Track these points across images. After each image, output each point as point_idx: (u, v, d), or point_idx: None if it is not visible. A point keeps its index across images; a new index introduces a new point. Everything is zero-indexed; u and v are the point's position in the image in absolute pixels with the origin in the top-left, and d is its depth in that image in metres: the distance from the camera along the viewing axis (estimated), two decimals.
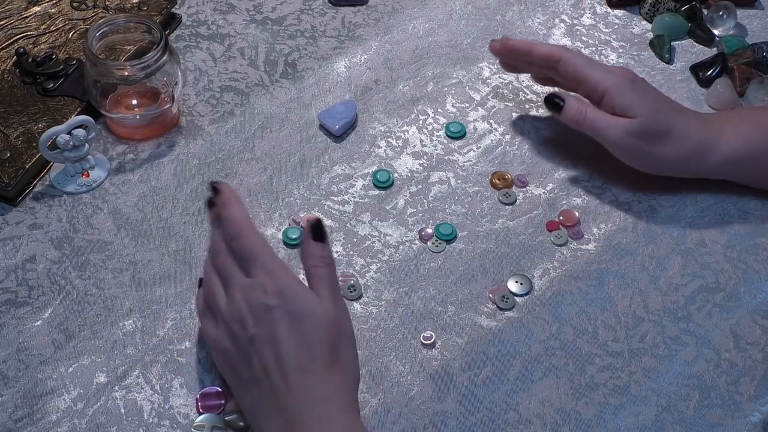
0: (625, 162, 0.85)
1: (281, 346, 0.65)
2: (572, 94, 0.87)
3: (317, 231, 0.71)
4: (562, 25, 1.03)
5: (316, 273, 0.69)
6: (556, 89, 0.89)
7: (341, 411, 0.65)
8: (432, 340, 0.77)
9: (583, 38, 1.01)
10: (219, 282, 0.71)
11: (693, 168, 0.84)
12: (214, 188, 0.73)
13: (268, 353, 0.66)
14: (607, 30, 1.03)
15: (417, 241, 0.84)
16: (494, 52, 0.92)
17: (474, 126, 0.93)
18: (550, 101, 0.86)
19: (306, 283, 0.70)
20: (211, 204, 0.74)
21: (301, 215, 0.85)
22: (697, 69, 0.98)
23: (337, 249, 0.83)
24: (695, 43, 1.01)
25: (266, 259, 0.69)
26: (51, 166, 0.88)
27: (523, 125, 0.93)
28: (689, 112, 0.85)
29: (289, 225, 0.85)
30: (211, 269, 0.72)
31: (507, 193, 0.87)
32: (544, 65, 0.89)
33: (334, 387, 0.66)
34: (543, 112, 0.94)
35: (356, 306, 0.80)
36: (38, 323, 0.78)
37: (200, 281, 0.74)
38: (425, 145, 0.91)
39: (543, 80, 0.92)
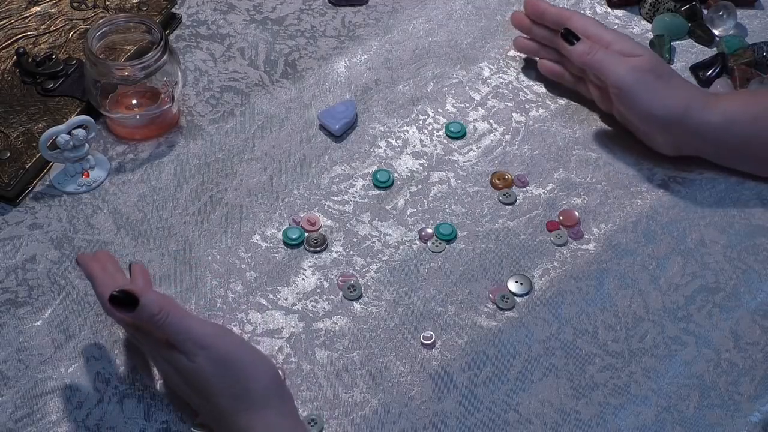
0: (625, 106, 0.86)
1: (199, 404, 0.70)
2: (585, 39, 0.89)
3: (123, 301, 0.67)
4: None
5: (164, 332, 0.68)
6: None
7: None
8: (432, 340, 0.77)
9: None
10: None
11: (690, 121, 0.84)
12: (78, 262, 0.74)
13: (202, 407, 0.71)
14: None
15: (417, 241, 0.84)
16: (516, 21, 0.96)
17: (474, 126, 0.93)
18: (565, 36, 0.89)
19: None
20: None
21: (301, 215, 0.85)
22: (697, 69, 0.98)
23: (337, 249, 0.83)
24: (695, 43, 1.01)
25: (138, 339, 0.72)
26: (51, 166, 0.88)
27: (523, 125, 0.93)
28: None
29: (289, 225, 0.85)
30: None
31: (507, 193, 0.87)
32: (555, 26, 0.92)
33: (256, 420, 0.67)
34: (543, 112, 0.94)
35: (356, 306, 0.80)
36: (38, 323, 0.78)
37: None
38: (425, 145, 0.91)
39: (549, 68, 0.95)
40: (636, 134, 0.89)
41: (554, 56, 0.94)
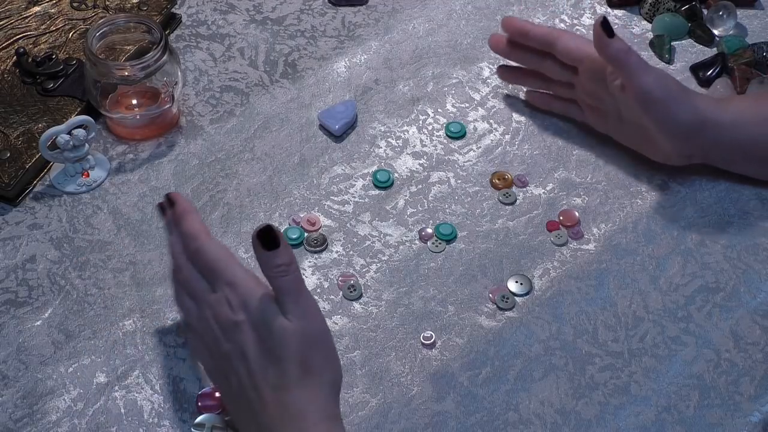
0: (650, 112, 0.83)
1: (252, 365, 0.65)
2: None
3: (265, 239, 0.66)
4: (562, 25, 1.03)
5: (276, 284, 0.66)
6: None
7: (319, 421, 0.64)
8: (432, 340, 0.77)
9: None
10: (187, 297, 0.71)
11: (710, 127, 0.83)
12: (170, 200, 0.73)
13: (241, 370, 0.66)
14: None
15: (417, 241, 0.84)
16: (494, 44, 0.93)
17: (474, 126, 0.93)
18: (605, 26, 0.83)
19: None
20: (163, 209, 0.74)
21: (301, 215, 0.85)
22: (697, 69, 0.98)
23: (337, 249, 0.83)
24: (695, 43, 1.01)
25: (227, 271, 0.68)
26: (51, 166, 0.88)
27: (523, 125, 0.93)
28: None
29: (289, 225, 0.85)
30: (178, 285, 0.72)
31: (507, 193, 0.87)
32: (542, 46, 0.89)
33: (308, 399, 0.65)
34: (543, 112, 0.94)
35: (356, 306, 0.80)
36: (38, 323, 0.78)
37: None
38: (425, 145, 0.91)
39: (540, 99, 0.94)
40: (638, 149, 0.88)
41: (539, 83, 0.93)
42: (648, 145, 0.87)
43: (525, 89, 0.95)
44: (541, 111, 0.94)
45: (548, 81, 0.92)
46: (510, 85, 0.96)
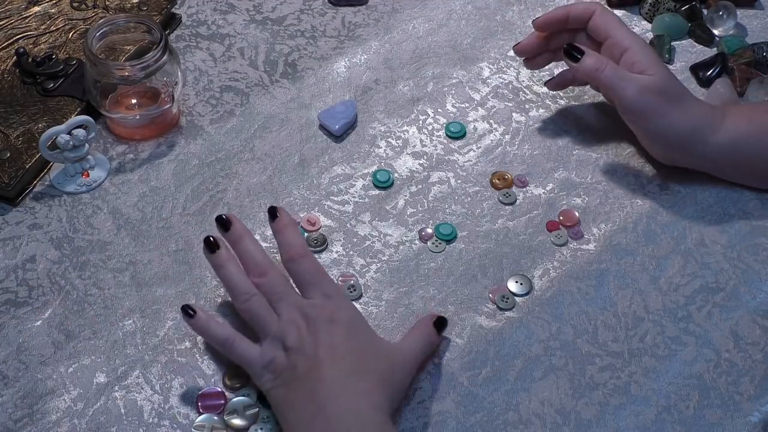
0: (634, 126, 0.85)
1: (335, 339, 0.70)
2: (591, 52, 0.85)
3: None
4: None
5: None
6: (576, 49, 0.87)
7: (374, 410, 0.68)
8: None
9: None
10: (266, 303, 0.73)
11: (698, 145, 0.83)
12: (273, 214, 0.76)
13: (324, 339, 0.70)
14: None
15: (417, 241, 0.84)
16: (521, 50, 0.92)
17: (474, 126, 0.93)
18: (568, 52, 0.84)
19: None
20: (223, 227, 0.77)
21: (301, 215, 0.85)
22: (697, 69, 0.98)
23: (337, 249, 0.83)
24: (695, 43, 1.01)
25: (326, 284, 0.74)
26: (51, 166, 0.88)
27: (523, 125, 0.93)
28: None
29: None
30: (250, 300, 0.73)
31: (507, 193, 0.87)
32: (579, 24, 0.88)
33: (366, 388, 0.69)
34: (543, 112, 0.94)
35: (356, 306, 0.80)
36: (38, 323, 0.78)
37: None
38: (425, 145, 0.91)
39: (557, 85, 0.94)
40: (639, 139, 0.89)
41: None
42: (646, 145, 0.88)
43: (545, 83, 0.94)
44: (540, 109, 0.94)
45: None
46: (510, 85, 0.96)
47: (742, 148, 0.83)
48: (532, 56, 0.92)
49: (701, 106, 0.85)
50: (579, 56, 0.84)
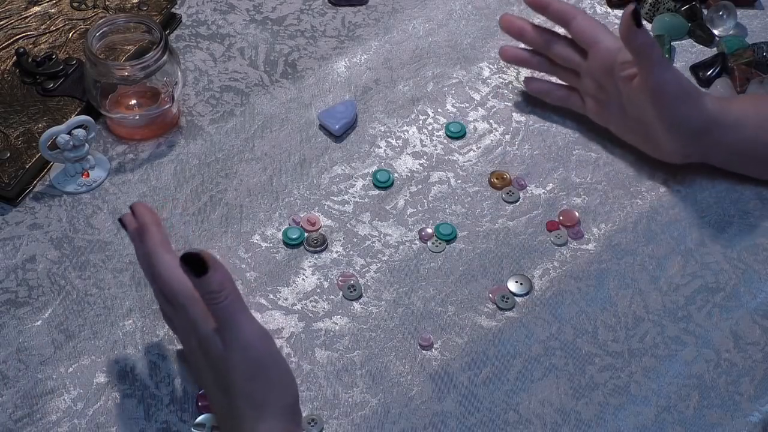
0: (660, 109, 0.82)
1: (210, 392, 0.69)
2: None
3: (192, 264, 0.63)
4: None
5: (212, 312, 0.65)
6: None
7: None
8: (429, 342, 0.77)
9: None
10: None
11: (716, 128, 0.83)
12: (132, 210, 0.73)
13: (208, 392, 0.70)
14: None
15: (417, 241, 0.84)
16: (506, 23, 0.92)
17: (474, 126, 0.93)
18: (636, 15, 0.80)
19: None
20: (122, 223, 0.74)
21: (301, 215, 0.85)
22: (697, 69, 0.98)
23: (337, 249, 0.83)
24: (695, 43, 1.01)
25: (178, 295, 0.68)
26: (51, 166, 0.88)
27: (523, 125, 0.93)
28: None
29: (289, 225, 0.85)
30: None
31: (510, 191, 0.87)
32: (558, 22, 0.89)
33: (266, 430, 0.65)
34: (543, 112, 0.94)
35: (356, 306, 0.80)
36: (38, 323, 0.78)
37: None
38: (425, 145, 0.91)
39: (537, 87, 0.94)
40: (636, 144, 0.88)
41: (544, 67, 0.92)
42: (647, 140, 0.87)
43: (524, 79, 0.94)
44: (540, 109, 0.94)
45: (553, 66, 0.91)
46: (510, 85, 0.96)
47: (746, 132, 0.83)
48: (523, 64, 0.94)
49: (712, 97, 0.85)
50: (640, 25, 0.81)
